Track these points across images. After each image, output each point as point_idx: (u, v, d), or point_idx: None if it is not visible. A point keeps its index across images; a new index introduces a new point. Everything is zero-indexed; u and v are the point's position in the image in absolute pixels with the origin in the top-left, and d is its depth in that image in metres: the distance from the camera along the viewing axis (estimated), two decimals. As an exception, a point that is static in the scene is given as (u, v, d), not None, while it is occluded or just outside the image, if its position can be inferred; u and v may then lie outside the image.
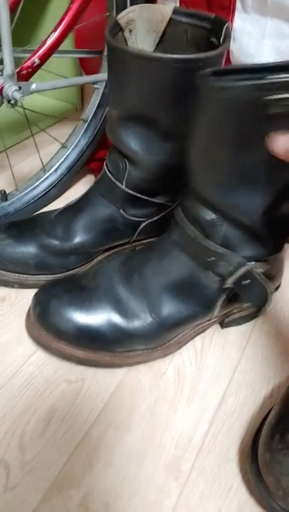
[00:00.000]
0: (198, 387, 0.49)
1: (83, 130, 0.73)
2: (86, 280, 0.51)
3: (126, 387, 0.49)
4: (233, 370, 0.51)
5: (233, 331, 0.56)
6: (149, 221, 0.59)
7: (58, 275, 0.58)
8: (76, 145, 0.73)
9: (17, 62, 0.54)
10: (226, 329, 0.56)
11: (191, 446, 0.44)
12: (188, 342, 0.53)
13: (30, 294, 0.54)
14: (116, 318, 0.47)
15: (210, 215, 0.44)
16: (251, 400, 0.48)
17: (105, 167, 0.57)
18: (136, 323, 0.47)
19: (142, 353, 0.49)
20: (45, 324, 0.48)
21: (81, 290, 0.49)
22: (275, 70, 0.39)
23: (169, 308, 0.48)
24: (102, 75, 0.67)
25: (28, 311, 0.51)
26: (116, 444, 0.44)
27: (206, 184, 0.42)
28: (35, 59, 0.53)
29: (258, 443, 0.40)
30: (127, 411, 0.46)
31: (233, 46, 0.60)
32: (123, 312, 0.47)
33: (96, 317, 0.47)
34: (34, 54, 0.54)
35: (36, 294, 0.50)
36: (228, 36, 0.49)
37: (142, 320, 0.47)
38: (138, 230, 0.59)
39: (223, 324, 0.55)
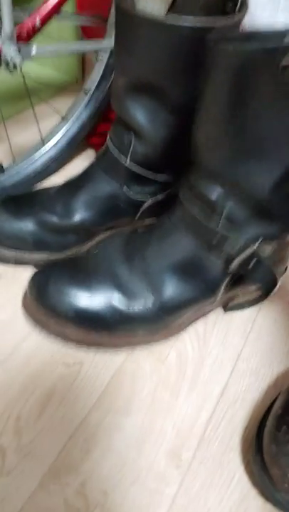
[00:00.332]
0: (201, 374, 0.48)
1: (85, 102, 0.70)
2: (85, 261, 0.49)
3: (126, 371, 0.47)
4: (237, 357, 0.50)
5: (237, 316, 0.54)
6: (152, 200, 0.56)
7: (56, 253, 0.55)
8: (77, 117, 0.70)
9: (15, 23, 0.50)
10: (229, 315, 0.54)
11: (192, 434, 0.43)
12: (189, 325, 0.51)
13: (27, 271, 0.52)
14: (116, 301, 0.46)
15: (215, 192, 0.42)
16: (255, 387, 0.47)
17: (108, 141, 0.54)
18: (137, 306, 0.46)
19: (142, 336, 0.48)
20: (43, 306, 0.46)
21: (80, 271, 0.47)
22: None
23: (170, 290, 0.46)
24: (108, 42, 0.63)
25: (25, 291, 0.49)
26: (115, 430, 0.42)
27: (216, 156, 0.40)
28: (37, 19, 0.49)
29: (263, 433, 0.39)
30: (127, 396, 0.45)
31: (245, 18, 0.57)
32: (124, 295, 0.46)
33: (96, 299, 0.46)
34: (35, 13, 0.50)
35: (33, 275, 0.48)
36: (245, 3, 0.46)
37: (143, 303, 0.46)
38: (141, 210, 0.56)
39: (227, 308, 0.54)
